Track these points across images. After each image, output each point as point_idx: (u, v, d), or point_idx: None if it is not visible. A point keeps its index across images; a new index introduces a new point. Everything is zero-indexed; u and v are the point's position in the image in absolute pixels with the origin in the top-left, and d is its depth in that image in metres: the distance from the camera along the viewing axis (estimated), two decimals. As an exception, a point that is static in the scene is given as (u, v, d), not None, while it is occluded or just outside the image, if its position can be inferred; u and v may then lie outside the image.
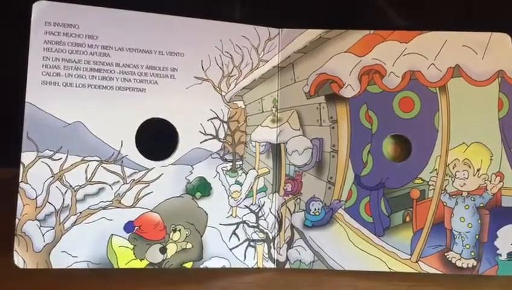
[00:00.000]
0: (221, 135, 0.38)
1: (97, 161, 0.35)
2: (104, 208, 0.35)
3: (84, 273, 0.35)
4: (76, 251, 0.34)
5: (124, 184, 0.36)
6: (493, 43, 0.38)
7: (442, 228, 0.38)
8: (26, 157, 0.34)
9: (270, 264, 0.38)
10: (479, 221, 0.37)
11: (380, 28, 0.39)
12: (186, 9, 0.38)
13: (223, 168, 0.38)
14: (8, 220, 0.34)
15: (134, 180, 0.36)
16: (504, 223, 0.37)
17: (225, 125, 0.38)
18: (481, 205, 0.37)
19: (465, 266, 0.37)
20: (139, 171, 0.36)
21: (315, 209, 0.38)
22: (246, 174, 0.38)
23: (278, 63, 0.39)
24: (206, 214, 0.37)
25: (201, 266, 0.37)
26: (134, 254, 0.35)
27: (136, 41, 0.36)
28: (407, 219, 0.38)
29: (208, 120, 0.38)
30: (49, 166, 0.34)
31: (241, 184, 0.38)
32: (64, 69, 0.35)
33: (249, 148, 0.39)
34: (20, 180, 0.33)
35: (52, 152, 0.34)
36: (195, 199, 0.37)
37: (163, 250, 0.36)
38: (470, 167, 0.38)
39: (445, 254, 0.37)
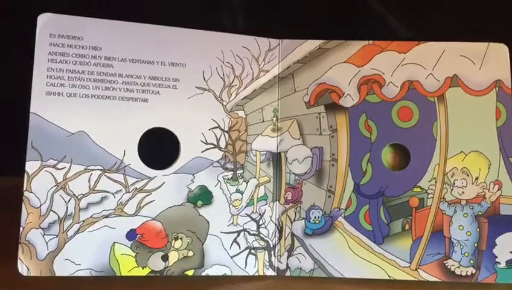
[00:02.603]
0: (222, 144, 0.38)
1: (100, 169, 0.36)
2: (106, 216, 0.35)
3: (87, 280, 0.35)
4: (79, 258, 0.35)
5: (126, 193, 0.36)
6: (490, 53, 0.39)
7: (441, 236, 0.38)
8: (30, 166, 0.34)
9: (270, 272, 0.39)
10: (478, 229, 0.38)
11: (379, 38, 0.39)
12: (187, 20, 0.38)
13: (224, 177, 0.38)
14: (12, 229, 0.34)
15: (136, 188, 0.36)
16: (502, 231, 0.37)
17: (226, 134, 0.39)
18: (480, 213, 0.38)
19: (464, 273, 0.37)
20: (142, 180, 0.36)
21: (315, 218, 0.39)
22: (246, 183, 0.39)
23: (278, 73, 0.40)
24: (208, 222, 0.38)
25: (202, 274, 0.37)
26: (136, 261, 0.36)
27: (138, 53, 0.37)
28: (407, 227, 0.38)
29: (209, 129, 0.38)
30: (53, 175, 0.35)
31: (242, 193, 0.39)
32: (68, 80, 0.35)
33: (250, 157, 0.39)
34: (24, 189, 0.34)
35: (56, 161, 0.35)
36: (197, 208, 0.37)
37: (165, 258, 0.36)
38: (468, 175, 0.38)
39: (444, 261, 0.38)
